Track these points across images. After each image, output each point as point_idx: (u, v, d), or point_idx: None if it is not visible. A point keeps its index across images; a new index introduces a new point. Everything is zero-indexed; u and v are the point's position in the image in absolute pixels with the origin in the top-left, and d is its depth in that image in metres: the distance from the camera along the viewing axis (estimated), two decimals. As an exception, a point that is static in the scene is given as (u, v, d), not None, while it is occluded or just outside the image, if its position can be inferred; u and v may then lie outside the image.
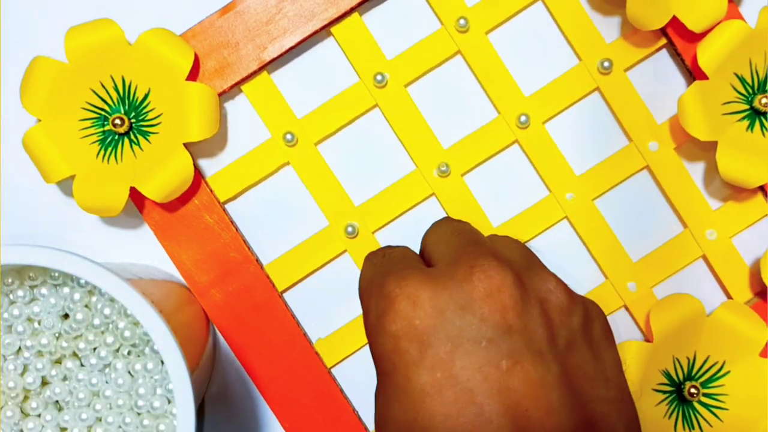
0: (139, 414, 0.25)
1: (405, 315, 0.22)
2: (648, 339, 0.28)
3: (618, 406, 0.23)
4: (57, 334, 0.25)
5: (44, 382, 0.25)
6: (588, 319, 0.23)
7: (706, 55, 0.27)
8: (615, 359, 0.24)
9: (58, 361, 0.25)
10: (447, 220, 0.27)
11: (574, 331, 0.23)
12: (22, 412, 0.25)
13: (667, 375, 0.28)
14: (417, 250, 0.27)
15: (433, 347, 0.21)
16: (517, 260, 0.24)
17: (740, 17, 0.28)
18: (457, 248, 0.23)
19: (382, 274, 0.23)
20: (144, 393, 0.25)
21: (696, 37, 0.28)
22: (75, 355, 0.25)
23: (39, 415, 0.25)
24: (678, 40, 0.28)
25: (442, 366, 0.21)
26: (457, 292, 0.22)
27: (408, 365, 0.21)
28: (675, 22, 0.28)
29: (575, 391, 0.21)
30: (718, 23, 0.27)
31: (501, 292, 0.21)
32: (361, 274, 0.26)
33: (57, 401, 0.25)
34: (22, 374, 0.25)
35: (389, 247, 0.27)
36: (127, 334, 0.25)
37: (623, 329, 0.29)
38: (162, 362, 0.25)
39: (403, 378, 0.21)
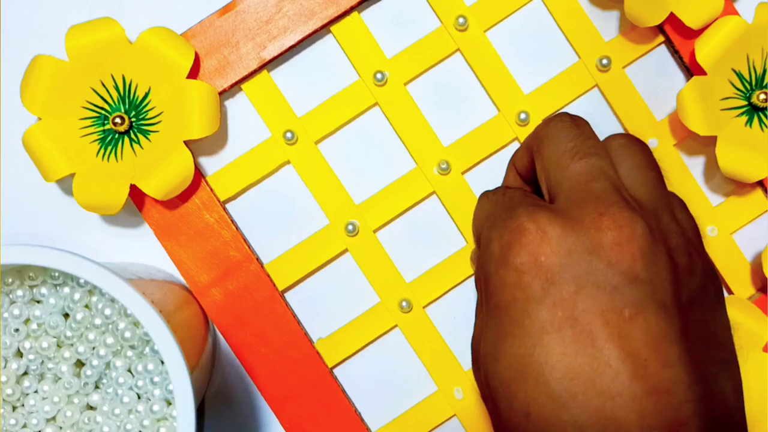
0: (138, 413, 0.25)
1: (532, 249, 0.21)
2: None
3: (727, 367, 0.23)
4: (57, 334, 0.25)
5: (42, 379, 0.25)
6: (706, 279, 0.23)
7: (704, 51, 0.27)
8: (726, 322, 0.24)
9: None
10: (565, 126, 0.25)
11: (694, 289, 0.22)
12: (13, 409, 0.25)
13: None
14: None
15: (556, 285, 0.21)
16: (646, 200, 0.23)
17: (736, 13, 0.28)
18: (581, 186, 0.23)
19: (508, 207, 0.23)
20: (144, 393, 0.25)
21: (693, 34, 0.28)
22: (76, 353, 0.25)
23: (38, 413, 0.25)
24: (676, 37, 0.28)
25: (563, 305, 0.21)
26: (584, 235, 0.21)
27: (528, 300, 0.21)
28: (672, 18, 0.28)
29: (692, 348, 0.21)
30: (715, 20, 0.27)
31: (631, 242, 0.21)
32: (476, 209, 0.26)
33: (58, 400, 0.25)
34: (23, 374, 0.25)
35: (507, 187, 0.26)
36: (127, 334, 0.24)
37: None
38: (162, 362, 0.25)
39: (522, 312, 0.21)
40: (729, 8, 0.28)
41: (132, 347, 0.25)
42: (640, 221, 0.22)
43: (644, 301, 0.21)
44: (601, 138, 0.25)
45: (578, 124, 0.24)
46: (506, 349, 0.22)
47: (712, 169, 0.29)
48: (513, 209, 0.23)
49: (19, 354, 0.25)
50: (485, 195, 0.26)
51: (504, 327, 0.22)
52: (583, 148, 0.23)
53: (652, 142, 0.29)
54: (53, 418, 0.25)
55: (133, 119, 0.27)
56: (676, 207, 0.24)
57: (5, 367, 0.25)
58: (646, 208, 0.23)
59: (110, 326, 0.25)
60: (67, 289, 0.25)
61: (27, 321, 0.25)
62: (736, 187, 0.29)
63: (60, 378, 0.25)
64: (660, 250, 0.22)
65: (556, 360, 0.21)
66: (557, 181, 0.23)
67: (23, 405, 0.25)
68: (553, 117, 0.25)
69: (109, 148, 0.27)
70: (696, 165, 0.29)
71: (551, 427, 0.21)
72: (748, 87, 0.28)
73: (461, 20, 0.28)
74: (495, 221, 0.23)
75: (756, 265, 0.28)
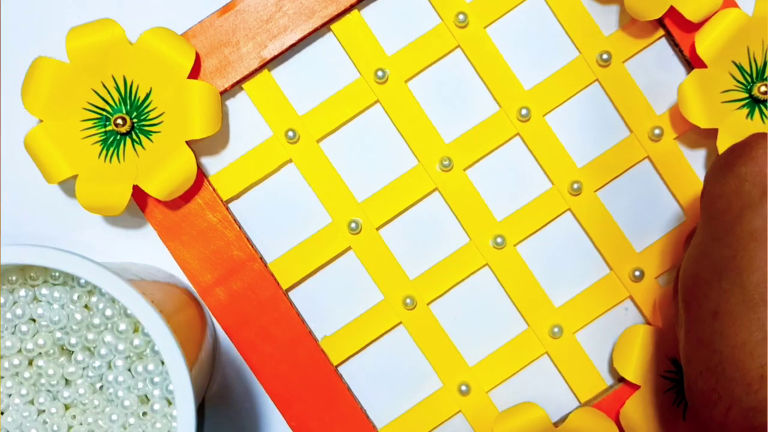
0: (143, 414, 0.25)
1: (759, 161, 0.22)
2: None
3: None
4: (58, 333, 0.25)
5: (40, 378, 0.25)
6: None
7: (704, 44, 0.27)
8: None
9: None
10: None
11: None
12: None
13: (675, 362, 0.27)
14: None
15: None
16: None
17: (736, 6, 0.28)
18: None
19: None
20: (144, 394, 0.25)
21: (693, 27, 0.28)
22: (85, 349, 0.25)
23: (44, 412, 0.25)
24: (676, 30, 0.28)
25: None
26: None
27: (744, 207, 0.22)
28: (672, 12, 0.28)
29: None
30: (715, 12, 0.27)
31: None
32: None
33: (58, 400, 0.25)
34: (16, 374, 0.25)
35: None
36: (128, 336, 0.24)
37: (628, 319, 0.29)
38: (162, 363, 0.25)
39: (735, 218, 0.22)
40: (729, 1, 0.28)
41: (133, 346, 0.25)
42: None
43: None
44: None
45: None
46: (710, 250, 0.22)
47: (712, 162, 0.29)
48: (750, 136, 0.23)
49: (20, 352, 0.25)
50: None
51: (713, 232, 0.22)
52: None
53: (652, 136, 0.29)
54: (55, 419, 0.25)
55: (135, 120, 0.27)
56: None
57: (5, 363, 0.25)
58: None
59: (109, 326, 0.25)
60: (67, 289, 0.25)
61: (29, 321, 0.25)
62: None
63: (60, 377, 0.25)
64: None
65: (757, 267, 0.21)
66: None
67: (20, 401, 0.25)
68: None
69: (111, 149, 0.27)
70: (697, 158, 0.29)
71: (739, 326, 0.21)
72: (749, 79, 0.28)
73: (461, 17, 0.28)
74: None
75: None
